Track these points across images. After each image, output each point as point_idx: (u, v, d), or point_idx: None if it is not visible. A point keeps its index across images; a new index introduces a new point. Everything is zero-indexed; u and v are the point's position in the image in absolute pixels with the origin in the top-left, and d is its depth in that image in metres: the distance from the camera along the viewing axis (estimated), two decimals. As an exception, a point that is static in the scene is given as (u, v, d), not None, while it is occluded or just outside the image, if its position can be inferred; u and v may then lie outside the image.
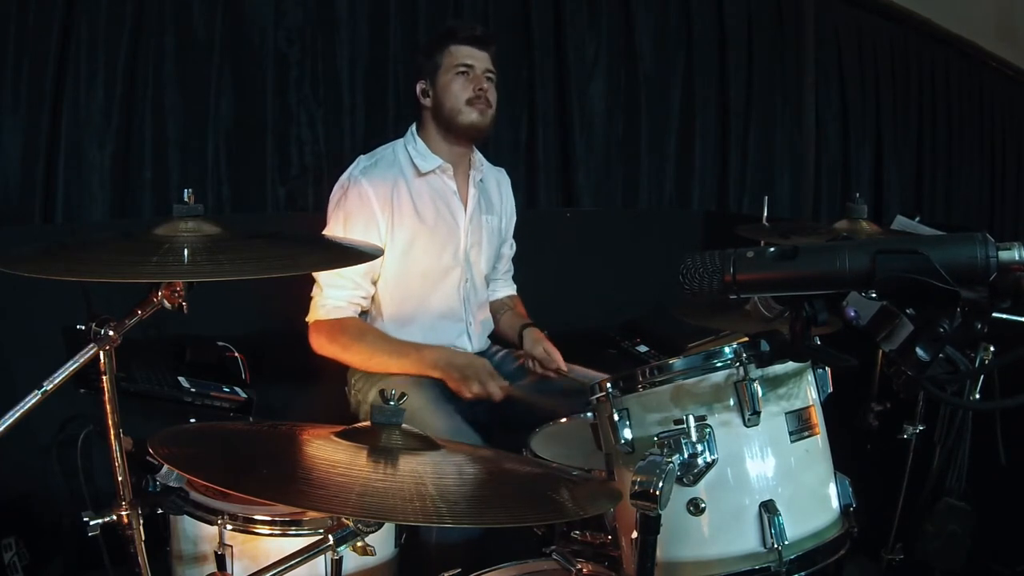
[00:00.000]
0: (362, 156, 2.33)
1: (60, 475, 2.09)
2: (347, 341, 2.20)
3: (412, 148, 2.31)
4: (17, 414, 1.29)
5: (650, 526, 1.21)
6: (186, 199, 1.38)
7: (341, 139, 3.10)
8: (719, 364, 1.38)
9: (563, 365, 2.31)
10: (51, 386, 1.31)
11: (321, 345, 2.21)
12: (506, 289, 2.62)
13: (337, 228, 2.22)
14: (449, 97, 2.25)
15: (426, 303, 2.30)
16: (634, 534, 1.23)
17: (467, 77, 2.25)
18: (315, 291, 2.22)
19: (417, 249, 2.26)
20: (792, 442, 1.40)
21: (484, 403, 2.28)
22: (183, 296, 1.34)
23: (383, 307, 2.28)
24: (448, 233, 2.32)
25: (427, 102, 2.30)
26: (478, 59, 2.27)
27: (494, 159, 2.61)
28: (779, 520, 1.34)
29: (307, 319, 2.23)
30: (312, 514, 1.55)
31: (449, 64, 2.26)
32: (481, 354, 2.41)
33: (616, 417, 1.40)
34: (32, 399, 1.30)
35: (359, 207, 2.20)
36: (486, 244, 2.42)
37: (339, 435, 1.30)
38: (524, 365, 2.37)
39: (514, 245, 2.61)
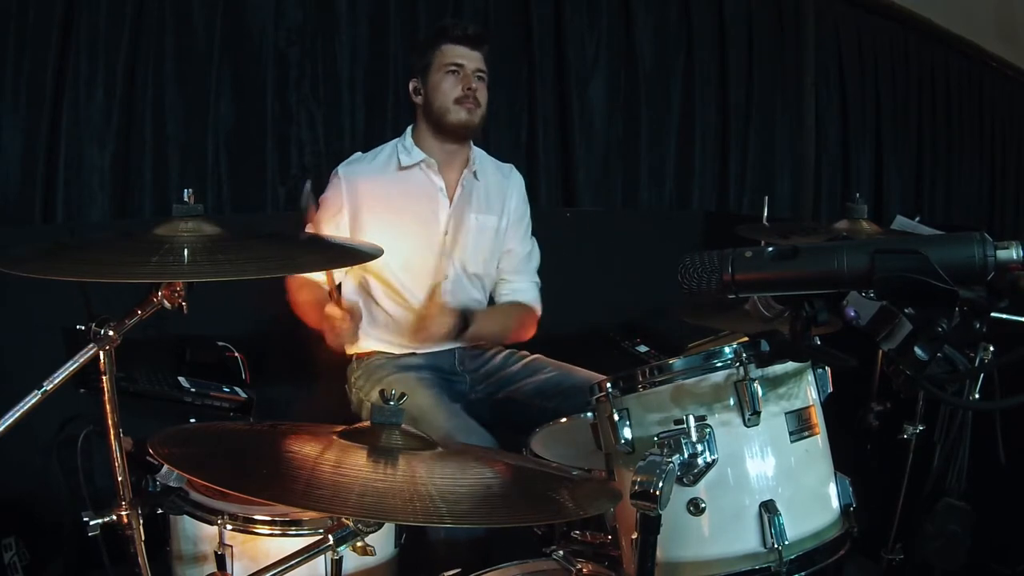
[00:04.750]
0: (358, 152, 2.40)
1: (60, 475, 2.09)
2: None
3: (400, 144, 2.36)
4: (17, 414, 1.29)
5: (650, 526, 1.21)
6: (186, 199, 1.38)
7: (341, 139, 3.10)
8: (719, 364, 1.38)
9: None
10: (51, 386, 1.31)
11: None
12: (514, 295, 2.48)
13: (321, 215, 2.26)
14: (438, 95, 2.28)
15: (416, 298, 2.30)
16: (634, 534, 1.23)
17: (456, 76, 2.28)
18: None
19: (393, 242, 2.23)
20: (792, 442, 1.40)
21: (486, 403, 2.29)
22: (183, 296, 1.34)
23: (381, 300, 2.31)
24: (425, 228, 2.33)
25: (418, 100, 2.34)
26: (469, 58, 2.29)
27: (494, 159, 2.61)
28: (779, 520, 1.34)
29: None
30: (312, 514, 1.55)
31: (440, 63, 2.29)
32: (479, 355, 2.40)
33: (616, 417, 1.40)
34: (32, 399, 1.30)
35: (332, 196, 2.30)
36: (473, 242, 2.38)
37: (339, 435, 1.30)
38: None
39: (528, 244, 2.51)
